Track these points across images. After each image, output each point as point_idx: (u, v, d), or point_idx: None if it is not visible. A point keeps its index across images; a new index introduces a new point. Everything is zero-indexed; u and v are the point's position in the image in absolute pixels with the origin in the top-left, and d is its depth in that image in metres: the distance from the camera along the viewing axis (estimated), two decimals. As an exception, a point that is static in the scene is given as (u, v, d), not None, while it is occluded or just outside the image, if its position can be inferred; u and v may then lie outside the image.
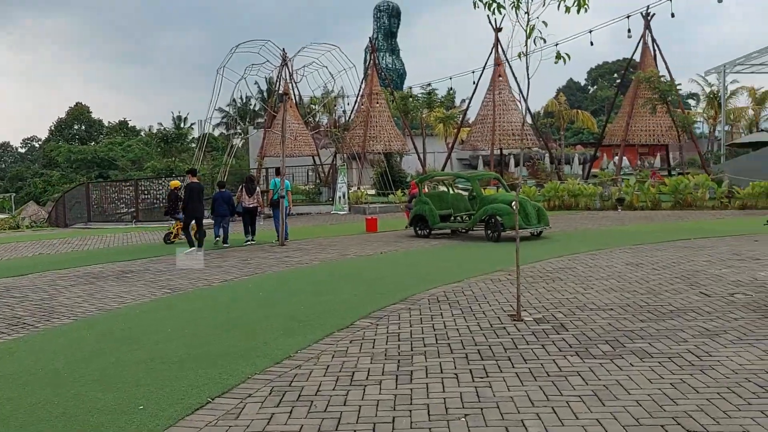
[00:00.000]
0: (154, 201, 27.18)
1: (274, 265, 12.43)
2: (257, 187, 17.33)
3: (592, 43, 32.74)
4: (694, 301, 7.85)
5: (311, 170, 38.93)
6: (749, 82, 51.30)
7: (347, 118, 40.76)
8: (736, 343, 6.03)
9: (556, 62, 6.78)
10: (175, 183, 17.67)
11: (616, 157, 48.58)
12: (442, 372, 5.51)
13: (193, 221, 15.18)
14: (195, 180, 15.38)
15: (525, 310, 7.60)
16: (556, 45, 15.22)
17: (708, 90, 45.49)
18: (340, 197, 27.88)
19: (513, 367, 5.57)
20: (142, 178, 32.33)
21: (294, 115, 35.25)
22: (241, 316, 7.96)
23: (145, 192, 27.58)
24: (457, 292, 9.01)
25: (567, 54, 6.65)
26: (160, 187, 26.91)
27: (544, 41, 6.52)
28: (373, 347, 6.36)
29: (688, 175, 26.03)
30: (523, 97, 32.57)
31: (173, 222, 17.09)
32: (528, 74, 6.69)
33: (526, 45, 6.51)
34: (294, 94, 35.99)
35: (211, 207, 17.05)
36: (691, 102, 61.35)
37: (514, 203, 15.23)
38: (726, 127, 45.20)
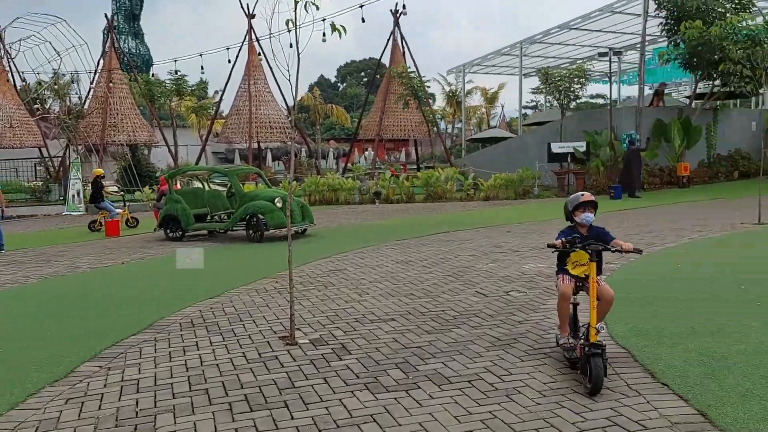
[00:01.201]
0: None
1: (-28, 287, 9.63)
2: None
3: (363, 20, 30.19)
4: (473, 303, 7.40)
5: (39, 164, 33.53)
6: (482, 83, 56.86)
7: (83, 105, 35.85)
8: (531, 354, 5.53)
9: (324, 39, 5.72)
10: (98, 171, 18.27)
11: (366, 152, 50.28)
12: (198, 438, 4.08)
13: None
14: None
15: (299, 329, 6.44)
16: (323, 20, 14.25)
17: (448, 89, 49.19)
18: (73, 196, 24.14)
19: (292, 418, 4.34)
20: None
21: (12, 99, 29.84)
22: None
23: None
24: (216, 311, 7.54)
25: (343, 26, 5.59)
26: None
27: (317, 8, 5.38)
28: (100, 407, 4.66)
29: (437, 168, 27.30)
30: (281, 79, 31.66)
31: (99, 210, 17.64)
32: (298, 49, 5.48)
33: (296, 11, 5.31)
34: (11, 73, 30.45)
35: None
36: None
37: (277, 200, 14.10)
38: (459, 124, 49.35)
